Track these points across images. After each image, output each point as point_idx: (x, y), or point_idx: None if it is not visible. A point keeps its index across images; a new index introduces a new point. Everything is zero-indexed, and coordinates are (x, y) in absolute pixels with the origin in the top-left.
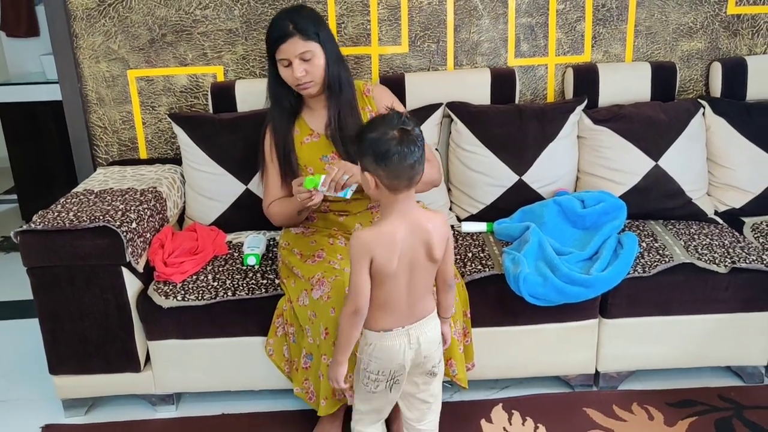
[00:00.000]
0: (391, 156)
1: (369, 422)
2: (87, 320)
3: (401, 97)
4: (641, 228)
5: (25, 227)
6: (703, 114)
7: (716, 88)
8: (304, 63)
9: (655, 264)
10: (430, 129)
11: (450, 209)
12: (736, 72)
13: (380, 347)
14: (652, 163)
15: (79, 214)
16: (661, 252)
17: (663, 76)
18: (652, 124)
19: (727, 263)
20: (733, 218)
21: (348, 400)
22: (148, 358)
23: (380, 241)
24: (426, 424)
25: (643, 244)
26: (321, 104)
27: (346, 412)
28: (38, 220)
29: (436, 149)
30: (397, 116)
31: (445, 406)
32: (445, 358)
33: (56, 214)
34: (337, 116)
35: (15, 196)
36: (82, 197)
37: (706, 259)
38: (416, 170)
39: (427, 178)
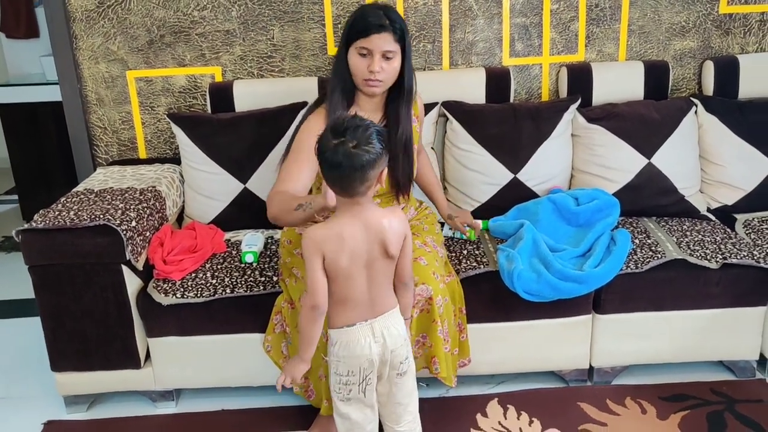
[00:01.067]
0: (323, 159)
1: None
2: (88, 318)
3: None
4: (634, 225)
5: (26, 226)
6: (696, 112)
7: (708, 87)
8: (384, 60)
9: (648, 260)
10: (425, 128)
11: None
12: (728, 70)
13: (345, 343)
14: (645, 161)
15: (79, 213)
16: (653, 248)
17: (656, 74)
18: (645, 123)
19: (718, 259)
20: (726, 215)
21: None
22: (148, 355)
23: (328, 238)
24: (404, 425)
25: (636, 241)
26: (375, 106)
27: None
28: (39, 219)
29: (432, 148)
30: (354, 126)
31: (441, 401)
32: (431, 356)
33: (57, 213)
34: (396, 125)
35: (16, 196)
36: (82, 196)
37: (698, 255)
38: (346, 183)
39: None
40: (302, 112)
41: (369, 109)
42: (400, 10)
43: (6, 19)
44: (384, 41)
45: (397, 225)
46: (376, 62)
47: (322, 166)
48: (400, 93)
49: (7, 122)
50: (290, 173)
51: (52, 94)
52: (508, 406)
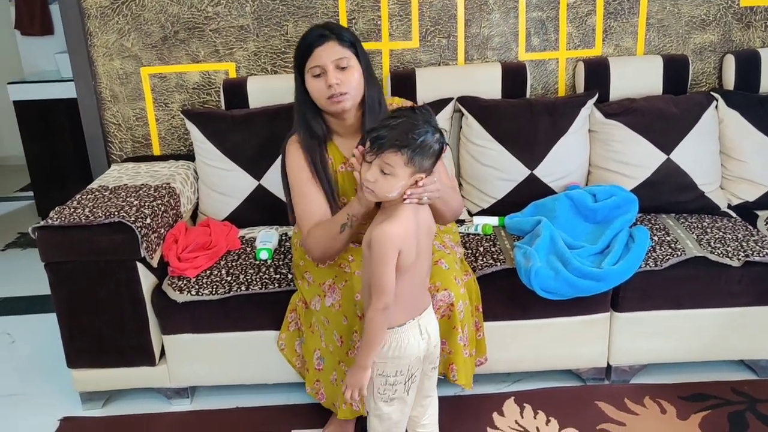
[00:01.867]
0: (443, 150)
1: None
2: (103, 315)
3: (412, 92)
4: (653, 222)
5: (42, 223)
6: (716, 107)
7: (729, 81)
8: (340, 72)
9: (667, 257)
10: (441, 124)
11: None
12: (749, 64)
13: (396, 344)
14: (664, 157)
15: (94, 210)
16: (673, 246)
17: (675, 69)
18: (663, 118)
19: (740, 257)
20: (747, 212)
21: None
22: (163, 352)
23: (405, 234)
24: (428, 418)
25: (655, 238)
26: (350, 129)
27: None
28: (55, 216)
29: (447, 144)
30: (429, 114)
31: (457, 400)
32: (448, 362)
33: (72, 210)
34: None
35: (31, 193)
36: (97, 193)
37: (719, 252)
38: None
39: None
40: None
41: (346, 134)
42: (414, 4)
43: (21, 17)
44: (330, 50)
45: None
46: (331, 74)
47: (435, 159)
48: (365, 106)
49: (22, 119)
50: (307, 209)
51: (66, 91)
52: (524, 404)
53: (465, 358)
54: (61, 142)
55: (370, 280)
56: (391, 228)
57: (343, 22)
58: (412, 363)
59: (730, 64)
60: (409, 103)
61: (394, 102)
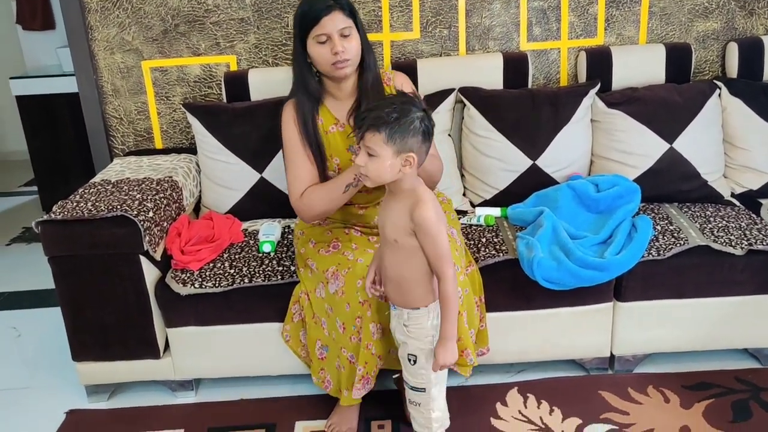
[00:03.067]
0: (432, 131)
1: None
2: (107, 308)
3: (414, 83)
4: (656, 211)
5: (45, 218)
6: (719, 95)
7: (732, 69)
8: (344, 39)
9: (671, 247)
10: (442, 114)
11: (463, 194)
12: (752, 52)
13: (437, 313)
14: (667, 146)
15: (97, 204)
16: (676, 235)
17: (678, 57)
18: (666, 107)
19: (743, 245)
20: (750, 200)
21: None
22: (167, 345)
23: (436, 203)
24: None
25: (658, 227)
26: (346, 92)
27: (364, 398)
28: (58, 211)
29: (449, 135)
30: (409, 96)
31: (461, 390)
32: (460, 348)
33: (75, 204)
34: (366, 103)
35: (35, 188)
36: (99, 187)
37: (722, 241)
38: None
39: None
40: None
41: (343, 96)
42: None
43: (22, 12)
44: (336, 20)
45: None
46: (337, 43)
47: (430, 137)
48: (363, 69)
49: (25, 114)
50: (299, 173)
51: (68, 85)
52: (528, 395)
53: (472, 343)
54: (63, 136)
55: (430, 259)
56: (430, 205)
57: None
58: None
59: (733, 52)
60: (400, 81)
61: (398, 73)
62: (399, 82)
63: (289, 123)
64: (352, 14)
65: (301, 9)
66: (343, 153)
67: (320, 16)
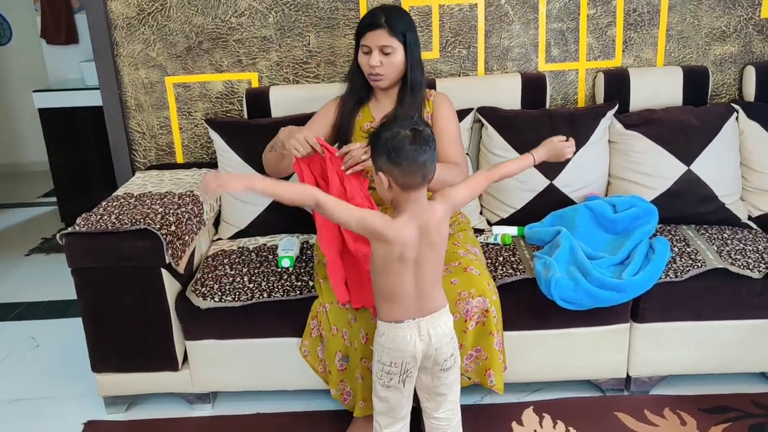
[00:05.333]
0: (404, 154)
1: (385, 424)
2: (128, 320)
3: None
4: (673, 233)
5: (70, 230)
6: (737, 118)
7: (750, 93)
8: (383, 56)
9: (688, 269)
10: (461, 134)
11: (481, 213)
12: None
13: (391, 337)
14: (684, 168)
15: (120, 217)
16: (693, 257)
17: (695, 80)
18: (683, 129)
19: (761, 268)
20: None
21: None
22: (186, 358)
23: (397, 237)
24: (443, 412)
25: (675, 249)
26: (390, 98)
27: None
28: (82, 223)
29: (467, 154)
30: (409, 117)
31: (477, 409)
32: (486, 368)
33: (99, 217)
34: (400, 113)
35: (54, 199)
36: (122, 201)
37: (740, 264)
38: (428, 168)
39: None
40: None
41: (384, 101)
42: (435, 16)
43: (47, 26)
44: (378, 37)
45: (440, 219)
46: (374, 57)
47: (404, 162)
48: (406, 86)
49: (47, 126)
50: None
51: (91, 99)
52: (544, 414)
53: (500, 363)
54: (84, 148)
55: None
56: (391, 226)
57: None
58: (406, 359)
59: (750, 75)
60: (440, 101)
61: (441, 95)
62: (440, 100)
63: (326, 108)
64: (402, 35)
65: (362, 19)
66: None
67: (366, 30)
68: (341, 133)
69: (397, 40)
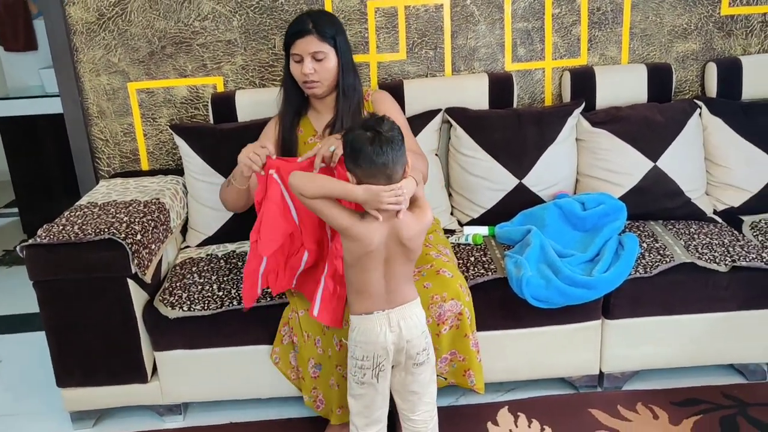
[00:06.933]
0: (363, 155)
1: (362, 425)
2: (93, 332)
3: (400, 104)
4: (641, 229)
5: (30, 241)
6: (700, 114)
7: (712, 89)
8: (315, 62)
9: (657, 264)
10: (429, 135)
11: (451, 214)
12: (730, 72)
13: (362, 329)
14: (651, 164)
15: (83, 227)
16: (661, 252)
17: (659, 77)
18: (649, 126)
19: (727, 262)
20: (732, 217)
21: None
22: (155, 369)
23: (362, 234)
24: (419, 414)
25: (644, 245)
26: (327, 107)
27: None
28: (43, 234)
29: (436, 155)
30: (374, 118)
31: (452, 409)
32: (464, 369)
33: (61, 227)
34: (341, 120)
35: (16, 209)
36: (86, 210)
37: (707, 258)
38: (392, 169)
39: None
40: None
41: (322, 110)
42: (401, 17)
43: (4, 32)
44: (308, 44)
45: (415, 224)
46: (307, 65)
47: (363, 163)
48: (339, 91)
49: (6, 135)
50: None
51: (51, 106)
52: (518, 413)
53: (478, 363)
54: (45, 157)
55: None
56: (357, 226)
57: None
58: (378, 351)
59: (712, 72)
60: (379, 98)
61: (378, 92)
62: (380, 100)
63: (271, 125)
64: (332, 39)
65: (288, 26)
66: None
67: (294, 38)
68: (285, 149)
69: (328, 45)
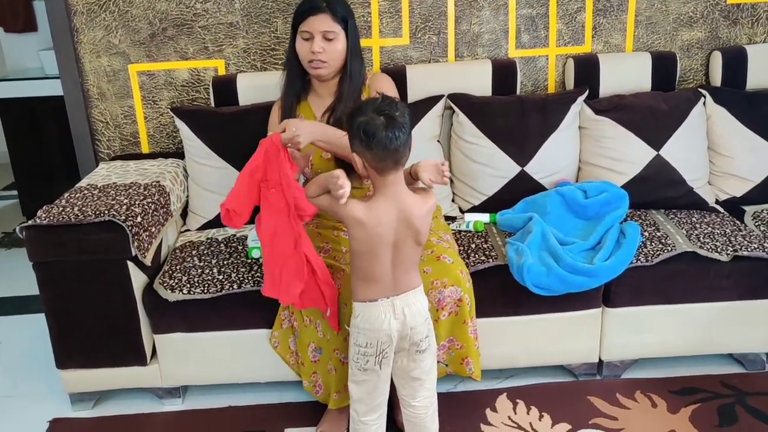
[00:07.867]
0: (377, 140)
1: (363, 412)
2: (93, 314)
3: (402, 89)
4: (643, 217)
5: (30, 222)
6: (704, 103)
7: (716, 78)
8: (325, 42)
9: (658, 253)
10: (431, 121)
11: (453, 201)
12: (736, 61)
13: (366, 317)
14: (654, 153)
15: (84, 208)
16: (663, 241)
17: (663, 65)
18: (653, 114)
19: (728, 251)
20: (734, 207)
21: None
22: (154, 352)
23: (369, 217)
24: (420, 400)
25: (646, 234)
26: (329, 90)
27: None
28: (43, 215)
29: (438, 141)
30: (386, 101)
31: (451, 396)
32: (461, 357)
33: (61, 209)
34: (343, 105)
35: (15, 192)
36: (86, 192)
37: (708, 247)
38: (401, 154)
39: None
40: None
41: (323, 94)
42: (405, 1)
43: (4, 13)
44: (321, 22)
45: (422, 204)
46: (316, 43)
47: (376, 147)
48: (345, 75)
49: (6, 117)
50: None
51: (51, 88)
52: (517, 400)
53: (476, 350)
54: (45, 140)
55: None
56: (356, 207)
57: None
58: (381, 338)
59: (717, 60)
60: (378, 81)
61: (376, 75)
62: (377, 82)
63: (271, 116)
64: (344, 21)
65: (299, 4)
66: (316, 149)
67: (307, 14)
68: None
69: (339, 26)
